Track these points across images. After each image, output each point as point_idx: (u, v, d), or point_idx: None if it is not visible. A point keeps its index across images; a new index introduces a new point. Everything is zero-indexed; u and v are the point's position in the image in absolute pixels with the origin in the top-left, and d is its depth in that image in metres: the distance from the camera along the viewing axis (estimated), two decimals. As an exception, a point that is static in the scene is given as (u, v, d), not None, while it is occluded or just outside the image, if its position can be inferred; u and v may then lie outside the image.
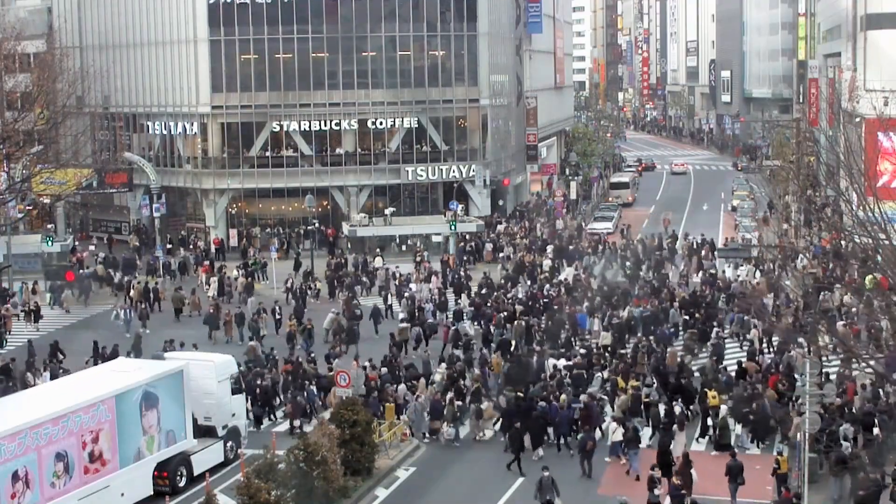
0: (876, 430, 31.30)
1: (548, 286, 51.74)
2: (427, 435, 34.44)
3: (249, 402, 35.97)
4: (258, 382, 36.80)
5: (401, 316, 48.21)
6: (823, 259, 52.26)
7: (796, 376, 36.50)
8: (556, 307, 47.21)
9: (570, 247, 62.91)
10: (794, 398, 33.98)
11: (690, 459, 29.05)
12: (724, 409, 33.37)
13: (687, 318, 45.22)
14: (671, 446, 30.67)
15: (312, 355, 41.04)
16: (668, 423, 32.70)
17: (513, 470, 31.18)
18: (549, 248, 62.08)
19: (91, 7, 75.40)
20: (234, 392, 32.82)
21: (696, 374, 38.34)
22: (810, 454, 28.49)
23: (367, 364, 38.41)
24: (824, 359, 38.55)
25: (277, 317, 48.33)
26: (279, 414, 37.07)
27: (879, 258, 27.28)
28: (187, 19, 68.64)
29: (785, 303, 46.84)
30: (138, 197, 71.73)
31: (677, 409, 33.61)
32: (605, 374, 37.76)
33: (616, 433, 32.20)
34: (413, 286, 53.85)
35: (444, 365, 39.11)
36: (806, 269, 50.72)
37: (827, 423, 30.45)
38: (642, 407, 34.60)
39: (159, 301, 53.78)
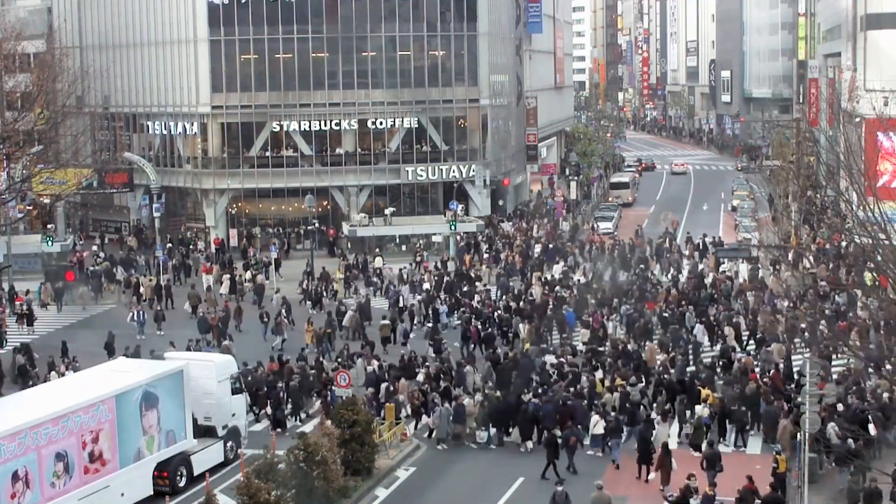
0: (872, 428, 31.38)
1: (558, 287, 51.64)
2: (445, 441, 33.66)
3: (271, 404, 36.01)
4: (281, 384, 36.63)
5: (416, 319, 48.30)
6: (823, 259, 52.33)
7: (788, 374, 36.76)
8: (546, 305, 47.48)
9: (550, 245, 63.14)
10: (781, 396, 34.10)
11: (670, 449, 29.83)
12: (699, 409, 33.48)
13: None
14: (652, 438, 31.14)
15: (339, 359, 40.47)
16: (648, 415, 33.20)
17: (548, 477, 30.35)
18: (538, 248, 62.22)
19: (91, 7, 75.42)
20: (234, 392, 32.81)
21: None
22: (810, 454, 28.49)
23: (378, 363, 38.59)
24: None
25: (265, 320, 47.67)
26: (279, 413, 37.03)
27: (879, 258, 27.29)
28: (187, 19, 68.65)
29: (769, 300, 47.32)
30: (138, 197, 71.80)
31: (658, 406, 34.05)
32: (598, 373, 37.78)
33: (598, 426, 32.48)
34: (396, 284, 53.94)
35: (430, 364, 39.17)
36: (807, 269, 50.77)
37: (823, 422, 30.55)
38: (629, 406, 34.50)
39: (171, 298, 54.12)
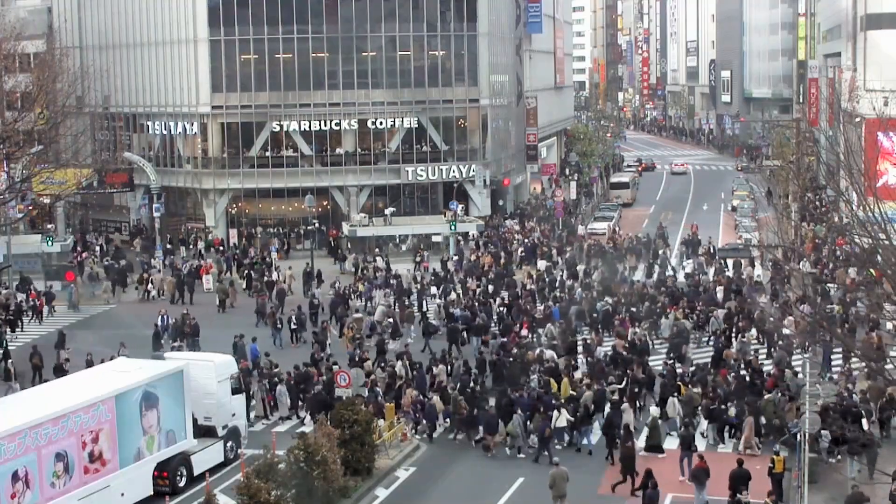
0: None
1: (579, 289, 51.60)
2: (522, 449, 32.89)
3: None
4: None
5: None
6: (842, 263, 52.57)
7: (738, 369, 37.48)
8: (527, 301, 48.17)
9: (527, 241, 63.61)
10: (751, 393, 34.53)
11: (632, 431, 31.08)
12: (654, 410, 33.61)
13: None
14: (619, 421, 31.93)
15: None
16: (617, 400, 33.77)
17: (618, 493, 29.71)
18: (520, 250, 62.73)
19: (91, 7, 75.43)
20: (234, 392, 32.81)
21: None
22: (810, 454, 28.55)
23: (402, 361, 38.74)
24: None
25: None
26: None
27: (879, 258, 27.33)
28: (187, 19, 68.66)
29: (750, 293, 48.35)
30: (138, 197, 71.81)
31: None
32: (577, 373, 37.93)
33: (560, 419, 32.75)
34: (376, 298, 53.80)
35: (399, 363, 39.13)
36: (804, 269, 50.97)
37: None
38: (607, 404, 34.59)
39: (192, 293, 54.98)
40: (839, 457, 30.89)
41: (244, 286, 56.58)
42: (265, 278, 56.41)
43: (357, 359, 39.36)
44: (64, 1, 76.78)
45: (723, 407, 33.43)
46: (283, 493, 26.71)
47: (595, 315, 45.94)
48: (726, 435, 33.33)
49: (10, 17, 64.46)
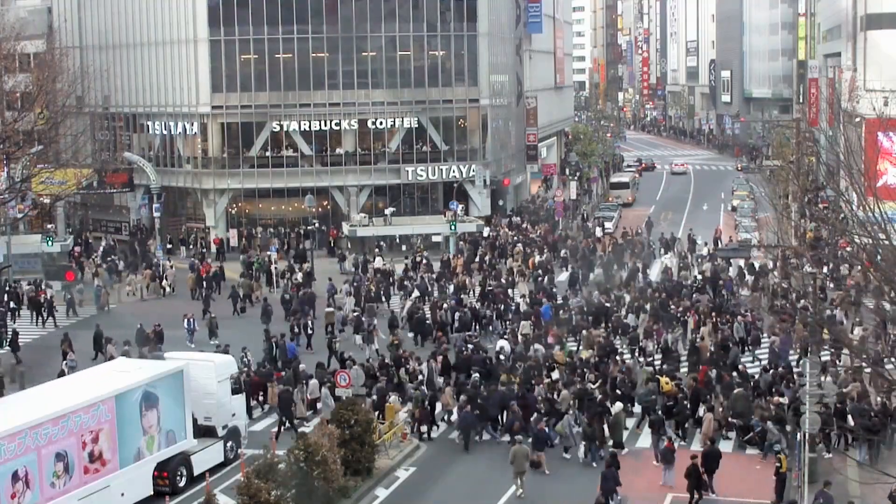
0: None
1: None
2: (574, 449, 32.68)
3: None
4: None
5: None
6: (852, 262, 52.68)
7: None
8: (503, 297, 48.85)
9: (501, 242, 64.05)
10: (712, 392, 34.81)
11: (602, 417, 32.71)
12: (618, 405, 33.60)
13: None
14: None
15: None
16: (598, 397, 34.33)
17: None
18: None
19: (91, 7, 75.42)
20: (234, 392, 32.80)
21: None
22: (810, 454, 28.59)
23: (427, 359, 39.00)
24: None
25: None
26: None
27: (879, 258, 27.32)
28: (187, 19, 68.66)
29: (729, 287, 49.77)
30: (138, 197, 71.82)
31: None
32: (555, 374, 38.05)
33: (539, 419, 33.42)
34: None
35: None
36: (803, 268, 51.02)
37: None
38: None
39: (219, 289, 55.35)
40: (830, 454, 31.08)
41: (265, 282, 56.99)
42: (287, 279, 56.56)
43: (398, 360, 39.01)
44: (64, 1, 76.78)
45: (685, 403, 33.77)
46: (283, 493, 26.70)
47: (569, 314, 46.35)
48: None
49: (10, 17, 64.48)
